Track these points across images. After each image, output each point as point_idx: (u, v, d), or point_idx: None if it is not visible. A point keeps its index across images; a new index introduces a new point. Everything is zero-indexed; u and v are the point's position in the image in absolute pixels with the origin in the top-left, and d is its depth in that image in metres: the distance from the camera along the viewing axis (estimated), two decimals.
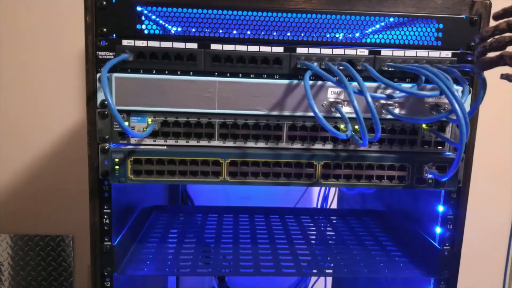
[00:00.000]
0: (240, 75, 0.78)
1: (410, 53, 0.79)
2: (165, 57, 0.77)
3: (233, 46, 0.77)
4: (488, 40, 0.66)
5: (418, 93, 0.76)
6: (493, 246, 1.70)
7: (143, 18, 0.76)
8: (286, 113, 0.79)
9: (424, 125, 0.82)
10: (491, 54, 0.69)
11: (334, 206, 1.54)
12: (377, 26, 0.79)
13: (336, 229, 1.16)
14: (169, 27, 0.77)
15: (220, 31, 0.78)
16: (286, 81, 0.78)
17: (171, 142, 0.80)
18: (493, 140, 1.61)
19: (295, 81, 0.78)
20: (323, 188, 1.49)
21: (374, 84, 0.78)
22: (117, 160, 0.76)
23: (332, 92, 0.79)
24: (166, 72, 0.78)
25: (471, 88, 0.79)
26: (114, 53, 0.76)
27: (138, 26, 0.77)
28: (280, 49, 0.78)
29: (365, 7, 0.78)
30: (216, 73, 0.78)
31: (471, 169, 0.83)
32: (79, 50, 1.45)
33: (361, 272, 0.90)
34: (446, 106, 0.79)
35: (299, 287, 1.58)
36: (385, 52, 0.79)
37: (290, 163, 0.79)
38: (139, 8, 0.76)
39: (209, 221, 1.18)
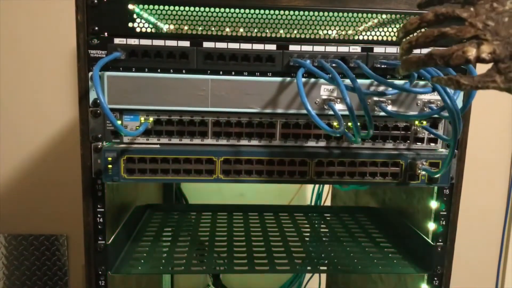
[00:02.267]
0: (233, 73, 0.78)
1: None
2: (157, 55, 0.77)
3: (226, 44, 0.77)
4: (414, 35, 0.54)
5: (410, 89, 0.76)
6: (487, 242, 1.70)
7: (135, 16, 0.76)
8: (279, 110, 0.79)
9: (416, 122, 0.82)
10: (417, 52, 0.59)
11: (328, 203, 1.55)
12: (370, 23, 0.79)
13: (330, 226, 1.16)
14: (161, 25, 0.77)
15: (213, 29, 0.78)
16: (279, 79, 0.78)
17: (164, 140, 0.80)
18: (486, 136, 1.62)
19: (288, 79, 0.78)
20: (316, 186, 1.49)
21: (367, 81, 0.78)
22: (110, 159, 0.76)
23: (325, 90, 0.79)
24: (159, 70, 0.77)
25: None
26: (106, 51, 0.76)
27: (130, 24, 0.76)
28: (272, 47, 0.78)
29: (357, 4, 0.78)
30: (208, 71, 0.78)
31: (464, 165, 0.83)
32: (71, 48, 1.44)
33: (355, 268, 0.91)
34: (439, 102, 0.79)
35: (294, 284, 1.59)
36: (378, 49, 0.79)
37: (283, 160, 0.79)
38: (130, 6, 0.76)
39: (203, 219, 1.18)
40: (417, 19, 0.54)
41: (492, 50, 0.49)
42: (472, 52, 0.49)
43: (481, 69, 0.54)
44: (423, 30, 0.54)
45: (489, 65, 0.50)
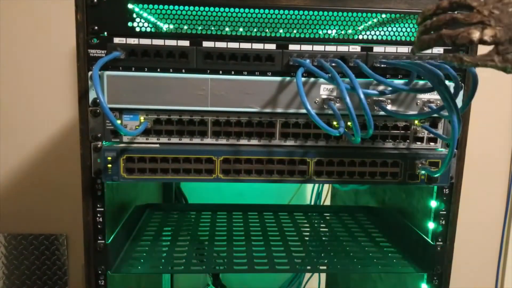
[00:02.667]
0: (233, 73, 0.78)
1: (402, 49, 0.80)
2: (157, 55, 0.77)
3: (225, 43, 0.77)
4: (429, 21, 0.62)
5: (409, 89, 0.76)
6: (486, 242, 1.70)
7: (134, 15, 0.76)
8: (279, 110, 0.79)
9: (416, 121, 0.82)
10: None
11: (327, 202, 1.55)
12: (369, 22, 0.79)
13: (330, 226, 1.16)
14: (161, 24, 0.77)
15: (212, 28, 0.77)
16: (278, 78, 0.78)
17: (163, 140, 0.80)
18: (486, 136, 1.62)
19: (288, 78, 0.78)
20: (316, 185, 1.49)
21: (367, 81, 0.78)
22: (109, 158, 0.76)
23: (324, 89, 0.79)
24: (158, 70, 0.77)
25: (463, 84, 0.80)
26: (105, 51, 0.76)
27: (130, 24, 0.76)
28: (272, 46, 0.78)
29: (357, 3, 0.78)
30: (208, 71, 0.78)
31: (464, 165, 0.83)
32: (70, 48, 1.44)
33: (354, 268, 0.91)
34: (438, 102, 0.79)
35: (294, 284, 1.59)
36: (377, 49, 0.79)
37: (283, 160, 0.79)
38: (130, 6, 0.76)
39: (203, 219, 1.18)
40: (434, 6, 0.62)
41: (494, 34, 0.56)
42: (476, 34, 0.56)
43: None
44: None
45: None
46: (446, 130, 0.83)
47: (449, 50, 0.80)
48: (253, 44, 0.78)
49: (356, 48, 0.79)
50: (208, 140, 0.81)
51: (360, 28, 0.79)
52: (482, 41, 0.56)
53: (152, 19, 0.77)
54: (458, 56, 0.59)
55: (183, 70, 0.78)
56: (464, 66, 0.59)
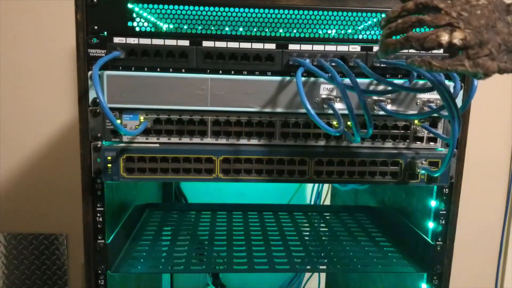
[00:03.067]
0: (232, 72, 0.78)
1: None
2: (156, 55, 0.77)
3: (225, 43, 0.77)
4: (394, 23, 0.58)
5: (409, 89, 0.76)
6: (486, 241, 1.70)
7: (134, 15, 0.76)
8: (279, 110, 0.79)
9: (416, 121, 0.82)
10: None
11: (327, 202, 1.55)
12: (369, 22, 0.79)
13: (330, 225, 1.16)
14: (161, 24, 0.77)
15: (212, 28, 0.77)
16: (278, 78, 0.78)
17: (163, 139, 0.80)
18: (486, 135, 1.62)
19: (288, 78, 0.78)
20: (316, 185, 1.49)
21: (367, 81, 0.78)
22: (109, 158, 0.76)
23: (324, 89, 0.79)
24: (158, 69, 0.77)
25: (462, 84, 0.80)
26: (105, 50, 0.76)
27: (130, 23, 0.76)
28: (272, 46, 0.78)
29: (357, 3, 0.78)
30: (208, 70, 0.78)
31: (464, 165, 0.83)
32: (70, 48, 1.44)
33: (354, 267, 0.91)
34: (438, 101, 0.79)
35: (293, 283, 1.59)
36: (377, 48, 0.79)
37: (283, 160, 0.79)
38: (130, 5, 0.76)
39: (202, 218, 1.18)
40: (398, 7, 0.58)
41: (463, 37, 0.53)
42: (445, 37, 0.54)
43: None
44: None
45: None
46: (446, 129, 0.83)
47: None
48: (253, 43, 0.78)
49: (356, 48, 0.79)
50: (208, 140, 0.81)
51: (360, 27, 0.79)
52: (452, 44, 0.54)
53: (152, 18, 0.77)
54: (426, 60, 0.56)
55: (183, 70, 0.78)
56: (433, 71, 0.56)
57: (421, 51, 0.57)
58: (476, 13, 0.54)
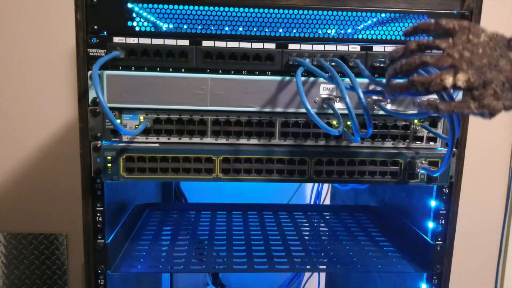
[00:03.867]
0: (232, 72, 0.78)
1: None
2: (156, 54, 0.77)
3: (225, 42, 0.77)
4: (398, 63, 0.60)
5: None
6: (486, 241, 1.70)
7: (134, 15, 0.76)
8: (279, 109, 0.79)
9: (416, 121, 0.82)
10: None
11: (327, 202, 1.54)
12: (369, 22, 0.79)
13: (329, 225, 1.16)
14: (161, 24, 0.77)
15: (212, 27, 0.77)
16: (278, 78, 0.78)
17: (163, 139, 0.80)
18: (486, 135, 1.62)
19: (287, 78, 0.78)
20: (316, 184, 1.49)
21: (366, 80, 0.78)
22: (109, 158, 0.76)
23: (324, 89, 0.79)
24: (158, 69, 0.77)
25: None
26: (105, 50, 0.76)
27: (129, 23, 0.76)
28: (272, 46, 0.78)
29: (356, 3, 0.78)
30: (208, 70, 0.78)
31: (463, 164, 0.83)
32: (70, 48, 1.44)
33: (354, 267, 0.91)
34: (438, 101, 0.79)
35: (293, 283, 1.59)
36: (377, 48, 0.79)
37: (283, 159, 0.79)
38: (130, 5, 0.76)
39: (202, 218, 1.18)
40: (401, 48, 0.60)
41: (467, 79, 0.55)
42: (449, 80, 0.55)
43: None
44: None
45: None
46: (445, 129, 0.83)
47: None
48: (252, 43, 0.78)
49: (356, 48, 0.79)
50: (207, 140, 0.81)
51: (359, 27, 0.79)
52: (456, 87, 0.55)
53: (152, 18, 0.77)
54: (433, 104, 0.58)
55: (183, 70, 0.78)
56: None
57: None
58: (478, 52, 0.55)
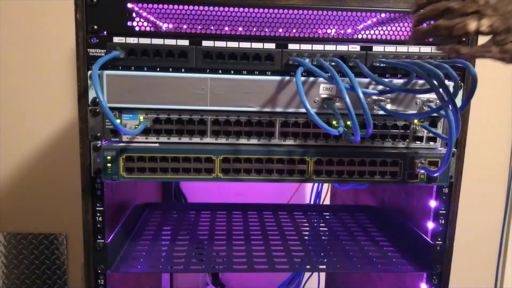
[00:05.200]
0: (232, 72, 0.78)
1: (402, 48, 0.80)
2: (156, 54, 0.77)
3: (225, 42, 0.77)
4: (424, 9, 0.61)
5: (408, 90, 0.76)
6: (486, 241, 1.70)
7: (134, 15, 0.76)
8: (278, 109, 0.79)
9: (416, 120, 0.82)
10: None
11: (327, 202, 1.55)
12: (369, 22, 0.79)
13: (329, 225, 1.16)
14: (160, 24, 0.77)
15: (212, 27, 0.77)
16: (278, 78, 0.78)
17: (163, 139, 0.80)
18: (485, 135, 1.62)
19: (287, 78, 0.78)
20: (316, 184, 1.49)
21: (366, 80, 0.78)
22: (109, 157, 0.76)
23: (324, 88, 0.79)
24: (158, 69, 0.77)
25: (462, 83, 0.80)
26: (105, 50, 0.76)
27: (129, 23, 0.76)
28: (271, 46, 0.78)
29: (356, 3, 0.78)
30: (207, 70, 0.78)
31: (463, 164, 0.83)
32: (70, 47, 1.44)
33: (354, 267, 0.91)
34: (438, 101, 0.79)
35: (293, 283, 1.59)
36: (377, 48, 0.79)
37: (282, 159, 0.79)
38: (129, 5, 0.76)
39: (202, 218, 1.18)
40: None
41: (491, 24, 0.55)
42: (473, 25, 0.55)
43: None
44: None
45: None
46: (445, 129, 0.83)
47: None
48: (252, 43, 0.78)
49: (356, 48, 0.79)
50: (207, 140, 0.81)
51: (359, 27, 0.79)
52: (479, 32, 0.55)
53: (152, 18, 0.77)
54: (455, 48, 0.58)
55: (183, 70, 0.78)
56: (462, 57, 0.59)
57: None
58: None
